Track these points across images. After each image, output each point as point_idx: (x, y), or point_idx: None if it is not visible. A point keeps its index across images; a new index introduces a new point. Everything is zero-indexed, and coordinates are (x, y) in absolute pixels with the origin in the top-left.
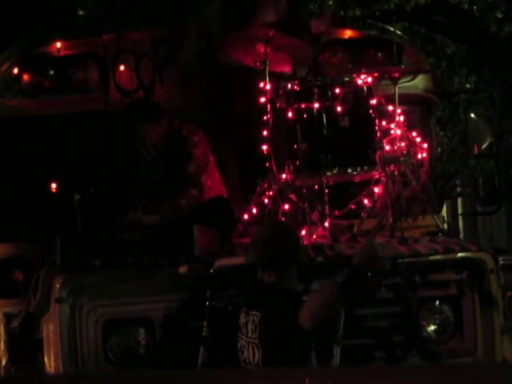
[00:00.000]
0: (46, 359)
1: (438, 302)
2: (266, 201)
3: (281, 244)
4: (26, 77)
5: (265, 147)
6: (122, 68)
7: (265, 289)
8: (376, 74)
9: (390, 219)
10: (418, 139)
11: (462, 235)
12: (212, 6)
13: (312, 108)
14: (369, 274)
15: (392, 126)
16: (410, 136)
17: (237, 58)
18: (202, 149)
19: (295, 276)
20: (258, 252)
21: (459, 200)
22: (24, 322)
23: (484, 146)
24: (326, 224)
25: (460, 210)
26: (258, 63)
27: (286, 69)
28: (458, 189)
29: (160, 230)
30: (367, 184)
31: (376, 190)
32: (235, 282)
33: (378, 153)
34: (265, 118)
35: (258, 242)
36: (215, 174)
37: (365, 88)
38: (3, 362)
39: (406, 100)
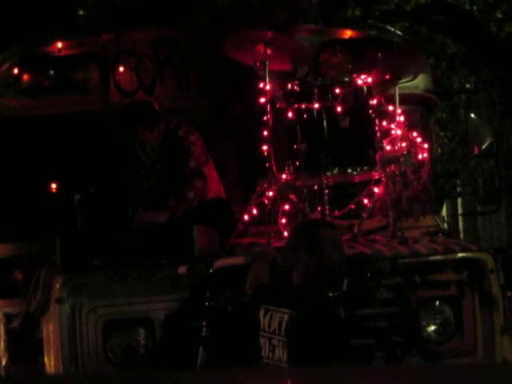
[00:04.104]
0: (46, 359)
1: (437, 302)
2: (266, 201)
3: (308, 245)
4: (26, 77)
5: (265, 147)
6: (121, 68)
7: (293, 288)
8: (376, 74)
9: (391, 219)
10: (418, 139)
11: (461, 235)
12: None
13: (312, 108)
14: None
15: (392, 126)
16: (410, 136)
17: (236, 58)
18: (200, 146)
19: (318, 275)
20: (288, 252)
21: (459, 200)
22: (24, 322)
23: (484, 146)
24: None
25: (460, 210)
26: (257, 63)
27: (286, 68)
28: (458, 189)
29: (161, 230)
30: (367, 184)
31: (376, 190)
32: (234, 282)
33: (378, 153)
34: (265, 118)
35: (288, 243)
36: (213, 174)
37: (365, 88)
38: (3, 362)
39: (406, 100)
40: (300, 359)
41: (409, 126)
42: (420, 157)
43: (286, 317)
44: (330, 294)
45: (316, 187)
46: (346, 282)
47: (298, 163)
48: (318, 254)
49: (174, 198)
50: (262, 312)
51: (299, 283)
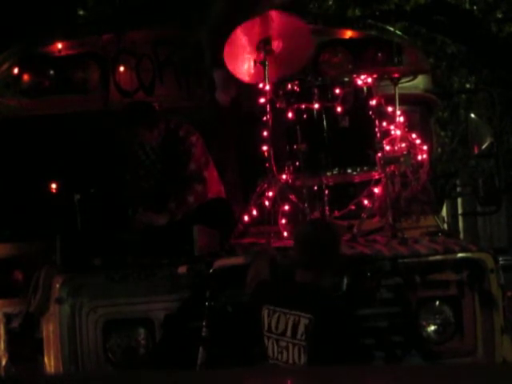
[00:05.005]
0: (46, 359)
1: (437, 302)
2: (266, 201)
3: (324, 242)
4: (26, 77)
5: (265, 147)
6: (121, 68)
7: (303, 289)
8: (376, 74)
9: (390, 219)
10: (418, 140)
11: (461, 235)
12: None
13: (312, 108)
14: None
15: (392, 126)
16: (409, 136)
17: (235, 66)
18: (200, 148)
19: (330, 274)
20: (300, 250)
21: (459, 200)
22: (24, 322)
23: (484, 146)
24: None
25: (460, 210)
26: (257, 64)
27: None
28: (458, 189)
29: (161, 230)
30: (367, 184)
31: (376, 190)
32: (234, 282)
33: (378, 153)
34: (265, 118)
35: (302, 240)
36: (214, 174)
37: (365, 88)
38: (3, 362)
39: (406, 100)
40: (323, 362)
41: (409, 126)
42: (420, 157)
43: (305, 321)
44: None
45: (316, 187)
46: (345, 281)
47: (298, 163)
48: (331, 252)
49: (174, 201)
50: (265, 312)
51: (306, 283)
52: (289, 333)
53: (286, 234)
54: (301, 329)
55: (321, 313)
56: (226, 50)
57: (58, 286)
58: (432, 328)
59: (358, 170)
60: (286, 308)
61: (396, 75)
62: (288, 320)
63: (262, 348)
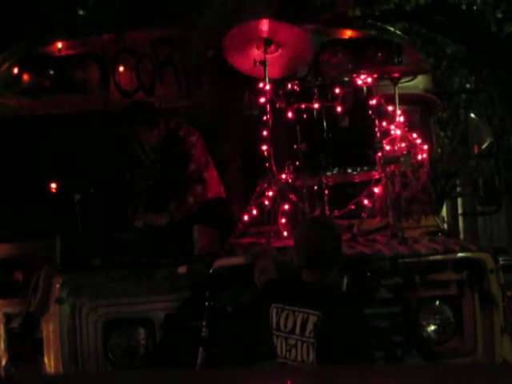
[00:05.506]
0: (46, 359)
1: (437, 302)
2: (266, 201)
3: (326, 242)
4: (26, 77)
5: (265, 147)
6: (121, 68)
7: (310, 288)
8: (376, 74)
9: (391, 219)
10: (418, 139)
11: (461, 235)
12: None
13: (312, 108)
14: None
15: (392, 126)
16: (409, 136)
17: (236, 59)
18: (200, 148)
19: (335, 273)
20: (301, 251)
21: (459, 200)
22: (24, 322)
23: (484, 146)
24: None
25: (460, 210)
26: (257, 63)
27: (286, 72)
28: (458, 189)
29: (161, 230)
30: (367, 184)
31: (376, 190)
32: (234, 282)
33: (378, 153)
34: (265, 118)
35: (302, 241)
36: (214, 174)
37: (365, 88)
38: (3, 362)
39: (406, 100)
40: (332, 360)
41: (409, 126)
42: (420, 157)
43: (314, 318)
44: None
45: (316, 187)
46: (345, 281)
47: (298, 163)
48: (332, 252)
49: (175, 202)
50: (273, 310)
51: (312, 282)
52: (297, 330)
53: (285, 233)
54: (309, 326)
55: (329, 310)
56: (227, 44)
57: (58, 286)
58: (432, 328)
59: (358, 169)
60: (294, 306)
61: (396, 75)
62: (296, 318)
63: (271, 347)
